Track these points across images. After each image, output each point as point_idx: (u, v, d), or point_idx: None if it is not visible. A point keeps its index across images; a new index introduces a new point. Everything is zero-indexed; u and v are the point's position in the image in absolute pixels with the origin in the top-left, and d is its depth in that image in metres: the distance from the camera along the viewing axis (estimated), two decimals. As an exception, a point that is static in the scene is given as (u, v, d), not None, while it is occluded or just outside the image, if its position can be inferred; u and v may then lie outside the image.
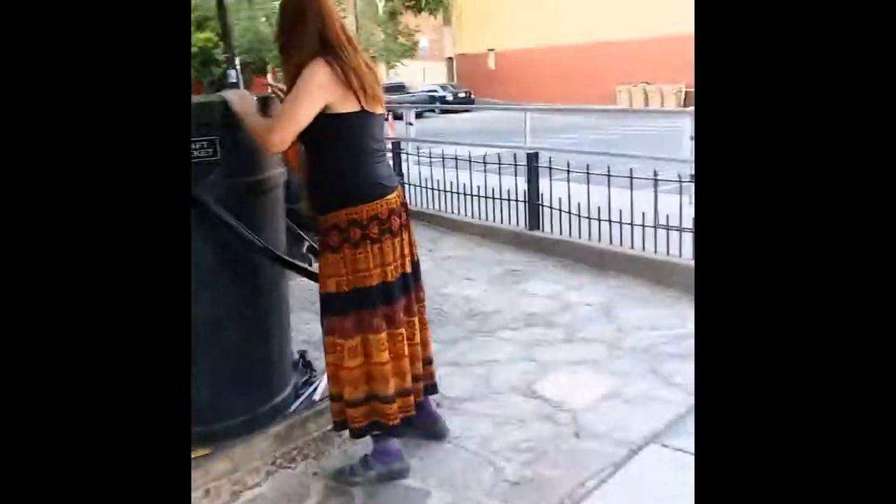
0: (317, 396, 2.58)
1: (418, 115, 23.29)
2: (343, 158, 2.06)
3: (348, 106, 1.99)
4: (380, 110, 2.10)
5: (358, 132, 2.05)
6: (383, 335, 2.09)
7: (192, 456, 2.20)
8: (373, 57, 36.28)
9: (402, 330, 2.14)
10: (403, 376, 2.15)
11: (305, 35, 1.98)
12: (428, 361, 2.35)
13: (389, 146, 6.41)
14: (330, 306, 2.11)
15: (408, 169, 6.40)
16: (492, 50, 32.02)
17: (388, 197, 2.08)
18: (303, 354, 2.83)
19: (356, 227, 2.03)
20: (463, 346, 3.30)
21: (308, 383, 2.69)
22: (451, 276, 4.48)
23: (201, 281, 2.14)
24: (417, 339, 2.23)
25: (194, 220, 2.07)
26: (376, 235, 2.05)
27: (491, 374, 2.99)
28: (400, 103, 18.88)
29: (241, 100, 2.10)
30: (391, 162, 5.19)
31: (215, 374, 2.25)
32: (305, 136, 2.01)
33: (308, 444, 2.45)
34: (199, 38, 30.50)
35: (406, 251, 2.16)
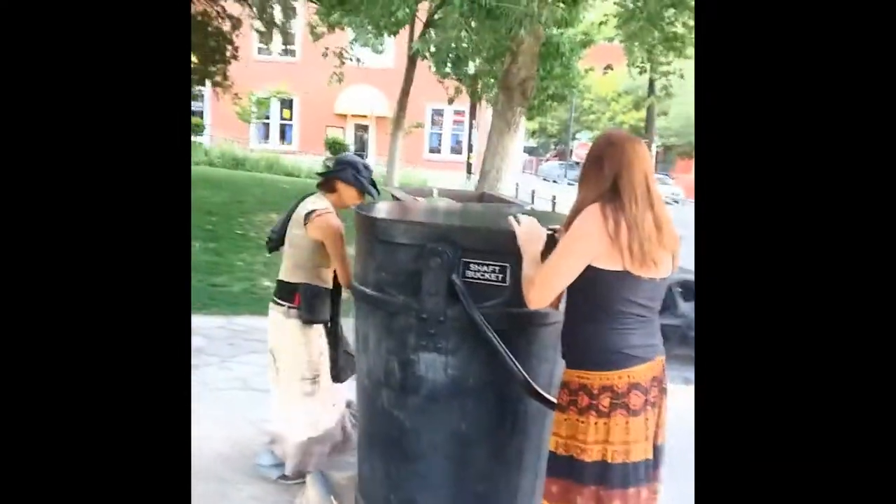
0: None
1: None
2: (586, 315, 1.91)
3: (608, 262, 1.82)
4: (652, 274, 1.85)
5: (610, 292, 1.86)
6: None
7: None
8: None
9: None
10: None
11: (600, 177, 1.88)
12: None
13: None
14: (547, 464, 1.99)
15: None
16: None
17: (632, 369, 1.85)
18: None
19: (584, 394, 1.86)
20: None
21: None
22: None
23: (462, 395, 2.19)
24: None
25: (468, 338, 2.12)
26: (605, 409, 1.84)
27: None
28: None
29: (528, 233, 2.04)
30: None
31: (455, 485, 2.27)
32: None
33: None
34: (633, 116, 32.12)
35: (649, 434, 1.89)
